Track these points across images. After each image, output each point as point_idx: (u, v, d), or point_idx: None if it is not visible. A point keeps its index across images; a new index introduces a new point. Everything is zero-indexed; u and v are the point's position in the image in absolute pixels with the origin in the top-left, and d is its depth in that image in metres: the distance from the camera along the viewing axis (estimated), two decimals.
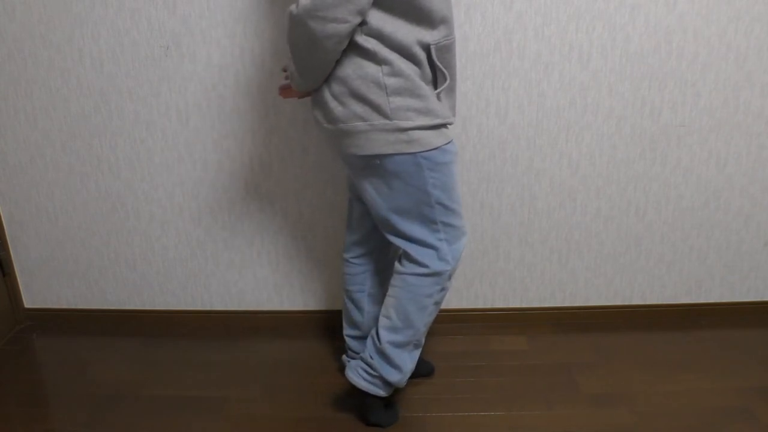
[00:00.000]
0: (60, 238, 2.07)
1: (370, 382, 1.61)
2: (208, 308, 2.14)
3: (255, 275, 2.09)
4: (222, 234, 2.03)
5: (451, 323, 2.12)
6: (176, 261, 2.08)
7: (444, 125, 1.45)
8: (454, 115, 1.51)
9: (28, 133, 1.94)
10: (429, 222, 1.50)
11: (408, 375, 1.62)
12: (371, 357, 1.60)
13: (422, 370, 1.86)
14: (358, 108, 1.39)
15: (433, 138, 1.42)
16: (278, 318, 2.13)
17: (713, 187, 1.98)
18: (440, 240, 1.52)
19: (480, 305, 2.12)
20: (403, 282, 1.55)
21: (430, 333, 2.07)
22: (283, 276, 2.08)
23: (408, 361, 1.60)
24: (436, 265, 1.53)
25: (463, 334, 2.07)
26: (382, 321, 1.59)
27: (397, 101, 1.37)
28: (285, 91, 1.55)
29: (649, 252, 2.06)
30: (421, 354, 1.87)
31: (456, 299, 2.11)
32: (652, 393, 1.77)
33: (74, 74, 1.86)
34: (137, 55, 1.83)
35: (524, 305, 2.12)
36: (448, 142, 1.45)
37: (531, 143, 1.91)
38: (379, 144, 1.41)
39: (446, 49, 1.42)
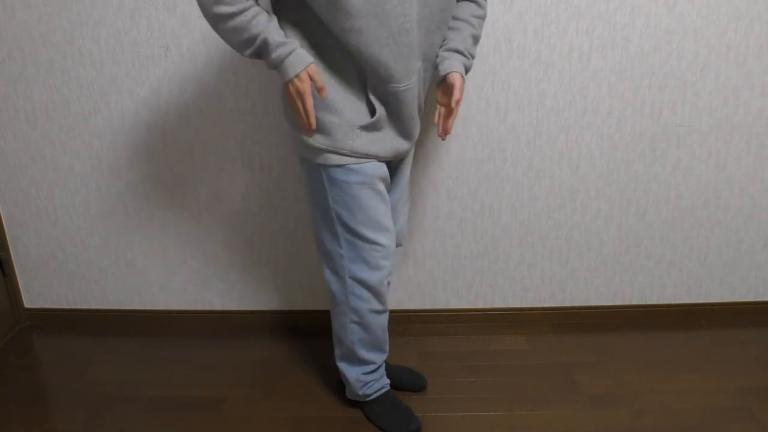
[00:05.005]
0: (60, 238, 2.07)
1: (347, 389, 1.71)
2: (208, 308, 2.14)
3: (255, 275, 2.09)
4: (222, 234, 2.03)
5: (451, 323, 2.12)
6: (176, 261, 2.08)
7: (354, 156, 1.37)
8: (393, 156, 1.42)
9: (28, 133, 1.94)
10: (332, 232, 1.47)
11: (356, 387, 1.65)
12: None
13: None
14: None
15: (336, 156, 1.37)
16: (278, 318, 2.13)
17: (713, 187, 1.98)
18: (341, 256, 1.48)
19: (480, 305, 2.12)
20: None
21: (431, 333, 2.07)
22: (283, 276, 2.08)
23: (351, 372, 1.64)
24: (333, 284, 1.53)
25: (463, 334, 2.07)
26: None
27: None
28: None
29: (649, 252, 2.06)
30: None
31: (456, 299, 2.11)
32: (652, 393, 1.77)
33: (74, 74, 1.86)
34: (137, 55, 1.83)
35: (524, 305, 2.12)
36: (360, 164, 1.38)
37: (531, 143, 1.91)
38: (296, 144, 1.43)
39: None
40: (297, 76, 1.27)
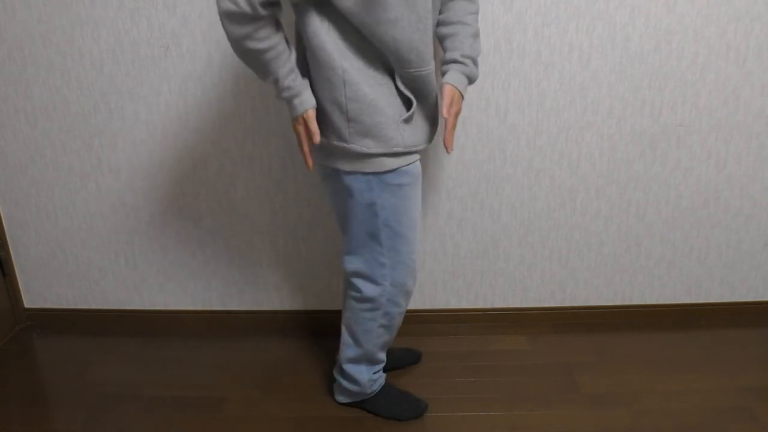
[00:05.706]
0: (60, 238, 2.07)
1: (341, 394, 1.73)
2: (208, 308, 2.14)
3: (255, 275, 2.09)
4: (222, 234, 2.03)
5: (451, 323, 2.12)
6: (176, 261, 2.08)
7: (406, 153, 1.38)
8: (428, 142, 1.44)
9: (28, 133, 1.94)
10: (374, 242, 1.46)
11: (367, 386, 1.67)
12: (335, 370, 1.72)
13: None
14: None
15: (390, 160, 1.37)
16: (278, 318, 2.13)
17: (713, 187, 1.98)
18: (382, 264, 1.49)
19: (480, 305, 2.12)
20: (348, 304, 1.59)
21: (431, 333, 2.07)
22: (283, 276, 2.09)
23: (363, 374, 1.65)
24: (369, 291, 1.52)
25: (463, 334, 2.07)
26: (341, 337, 1.65)
27: (356, 127, 1.33)
28: None
29: (649, 252, 2.06)
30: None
31: (456, 299, 2.11)
32: (652, 393, 1.77)
33: (74, 74, 1.86)
34: (137, 55, 1.83)
35: (524, 305, 2.12)
36: (409, 164, 1.40)
37: (531, 143, 1.91)
38: (334, 158, 1.40)
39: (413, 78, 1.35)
40: (295, 118, 1.36)
